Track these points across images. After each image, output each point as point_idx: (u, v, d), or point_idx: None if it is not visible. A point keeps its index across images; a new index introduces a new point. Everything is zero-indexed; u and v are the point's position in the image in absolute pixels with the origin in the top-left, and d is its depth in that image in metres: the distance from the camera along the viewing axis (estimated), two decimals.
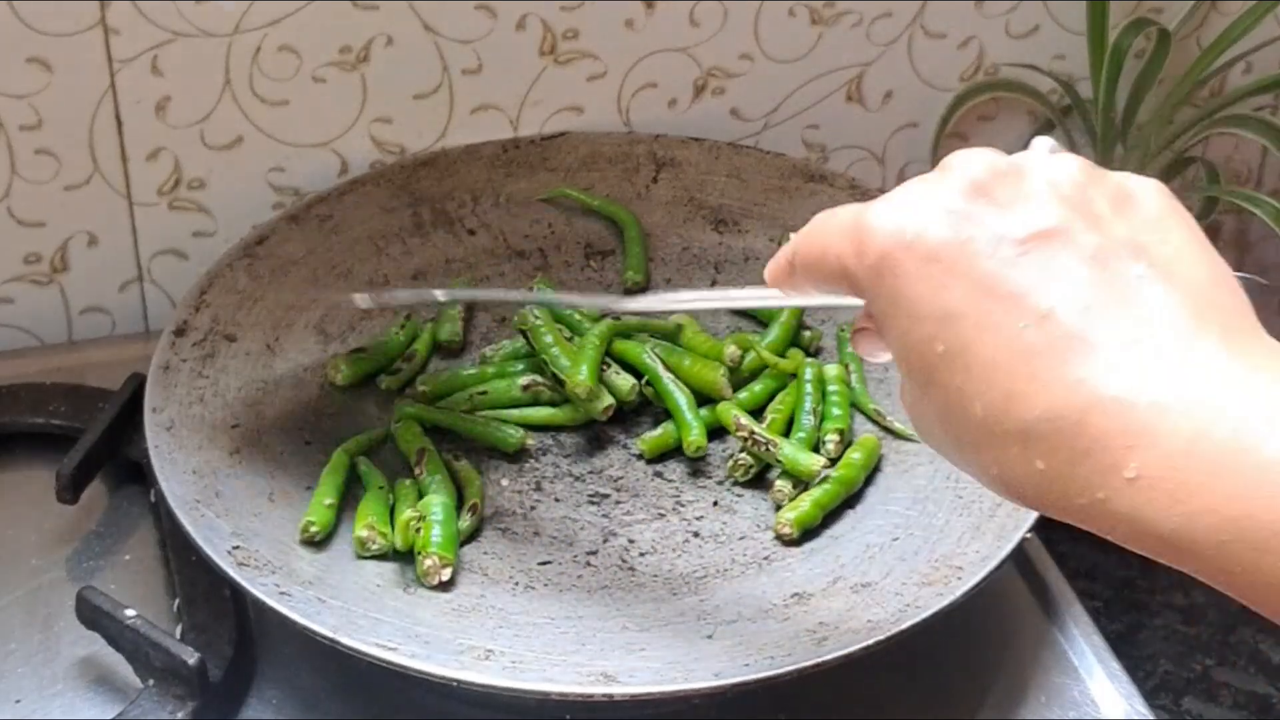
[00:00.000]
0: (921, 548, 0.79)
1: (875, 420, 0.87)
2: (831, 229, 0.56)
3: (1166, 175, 1.03)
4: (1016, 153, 0.55)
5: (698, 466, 0.86)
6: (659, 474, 0.86)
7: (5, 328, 0.99)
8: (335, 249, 0.94)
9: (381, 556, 0.79)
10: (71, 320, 1.00)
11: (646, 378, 0.88)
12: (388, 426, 0.86)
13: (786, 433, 0.86)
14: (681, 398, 0.86)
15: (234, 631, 0.80)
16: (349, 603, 0.75)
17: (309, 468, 0.84)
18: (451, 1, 0.96)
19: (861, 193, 0.97)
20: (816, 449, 0.84)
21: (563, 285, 0.96)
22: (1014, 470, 0.51)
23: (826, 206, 0.97)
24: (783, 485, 0.83)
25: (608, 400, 0.86)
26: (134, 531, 0.88)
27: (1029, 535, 0.78)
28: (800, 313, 0.92)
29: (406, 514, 0.78)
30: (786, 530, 0.81)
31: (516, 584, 0.79)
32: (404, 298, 0.92)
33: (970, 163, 0.53)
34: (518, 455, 0.86)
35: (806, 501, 0.81)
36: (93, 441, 0.87)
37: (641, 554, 0.81)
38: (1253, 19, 1.01)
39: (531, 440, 0.86)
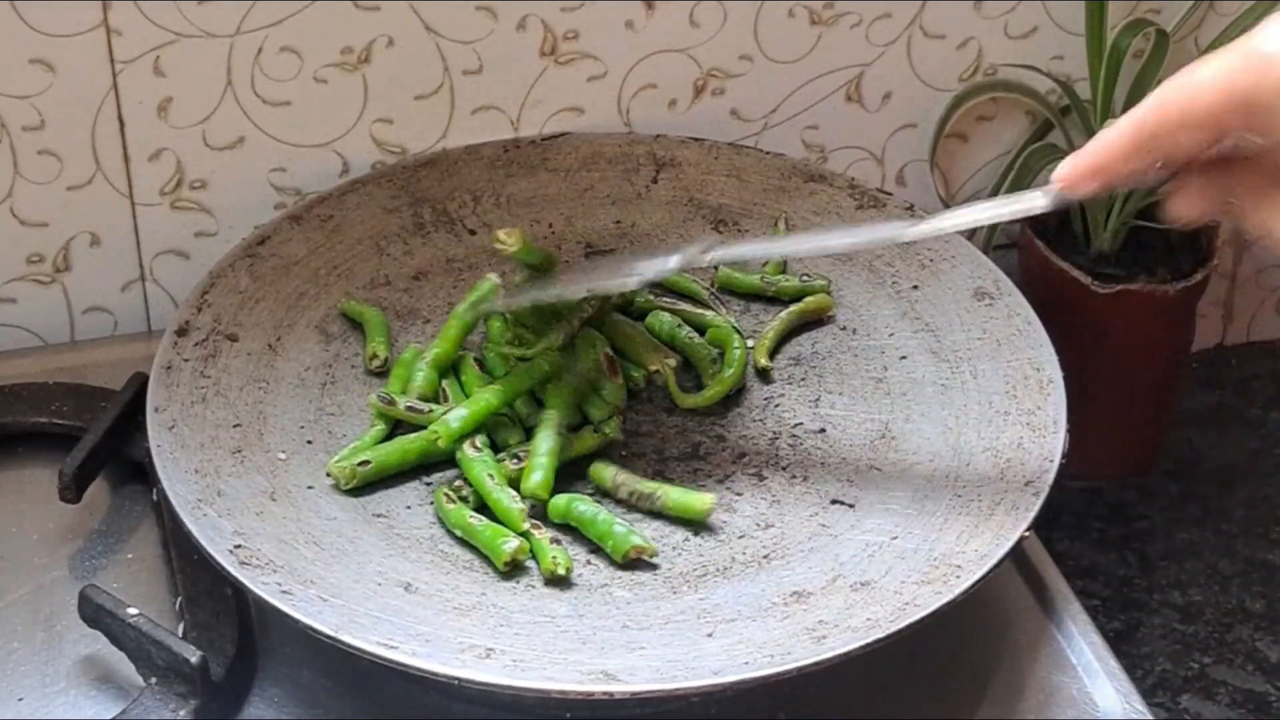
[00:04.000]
0: (920, 546, 0.79)
1: None
2: (1204, 78, 0.64)
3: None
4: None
5: (697, 466, 0.86)
6: (659, 473, 0.86)
7: (8, 327, 1.00)
8: (337, 249, 0.95)
9: None
10: (74, 320, 1.01)
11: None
12: None
13: None
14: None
15: (236, 630, 0.80)
16: (350, 601, 0.76)
17: (310, 467, 0.84)
18: (452, 2, 0.97)
19: (861, 193, 0.98)
20: None
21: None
22: None
23: (826, 207, 0.99)
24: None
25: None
26: (136, 530, 0.88)
27: (1027, 534, 0.78)
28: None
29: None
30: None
31: (517, 582, 0.79)
32: (534, 296, 0.89)
33: None
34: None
35: None
36: (95, 441, 0.87)
37: None
38: (1250, 20, 1.02)
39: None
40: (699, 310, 0.94)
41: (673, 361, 0.90)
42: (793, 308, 0.93)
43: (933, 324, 0.91)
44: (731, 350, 0.90)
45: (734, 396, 0.90)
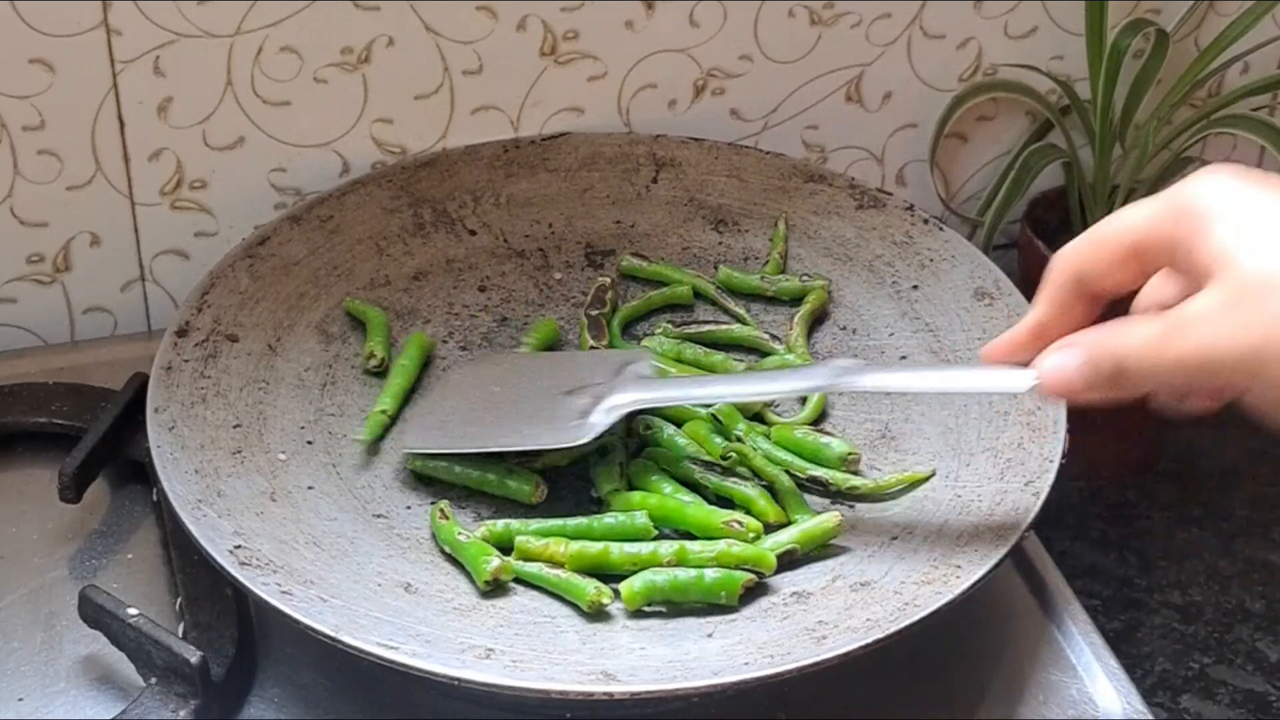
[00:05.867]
0: (920, 546, 0.79)
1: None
2: (1127, 217, 0.69)
3: (1164, 175, 1.03)
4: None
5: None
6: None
7: (8, 327, 1.00)
8: (337, 249, 0.95)
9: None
10: (74, 320, 1.01)
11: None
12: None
13: None
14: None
15: (236, 630, 0.80)
16: (350, 602, 0.76)
17: (310, 468, 0.84)
18: (452, 2, 0.97)
19: (861, 192, 0.98)
20: None
21: (563, 285, 0.96)
22: None
23: (826, 206, 0.99)
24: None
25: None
26: (136, 531, 0.88)
27: (1027, 534, 0.78)
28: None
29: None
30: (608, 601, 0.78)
31: (518, 583, 0.79)
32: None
33: None
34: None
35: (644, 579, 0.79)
36: (95, 441, 0.87)
37: None
38: (1251, 19, 1.02)
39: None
40: (726, 327, 0.93)
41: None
42: (804, 310, 0.93)
43: (933, 324, 0.91)
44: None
45: None
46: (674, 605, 0.78)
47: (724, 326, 0.93)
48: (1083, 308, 0.72)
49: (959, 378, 0.81)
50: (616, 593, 0.78)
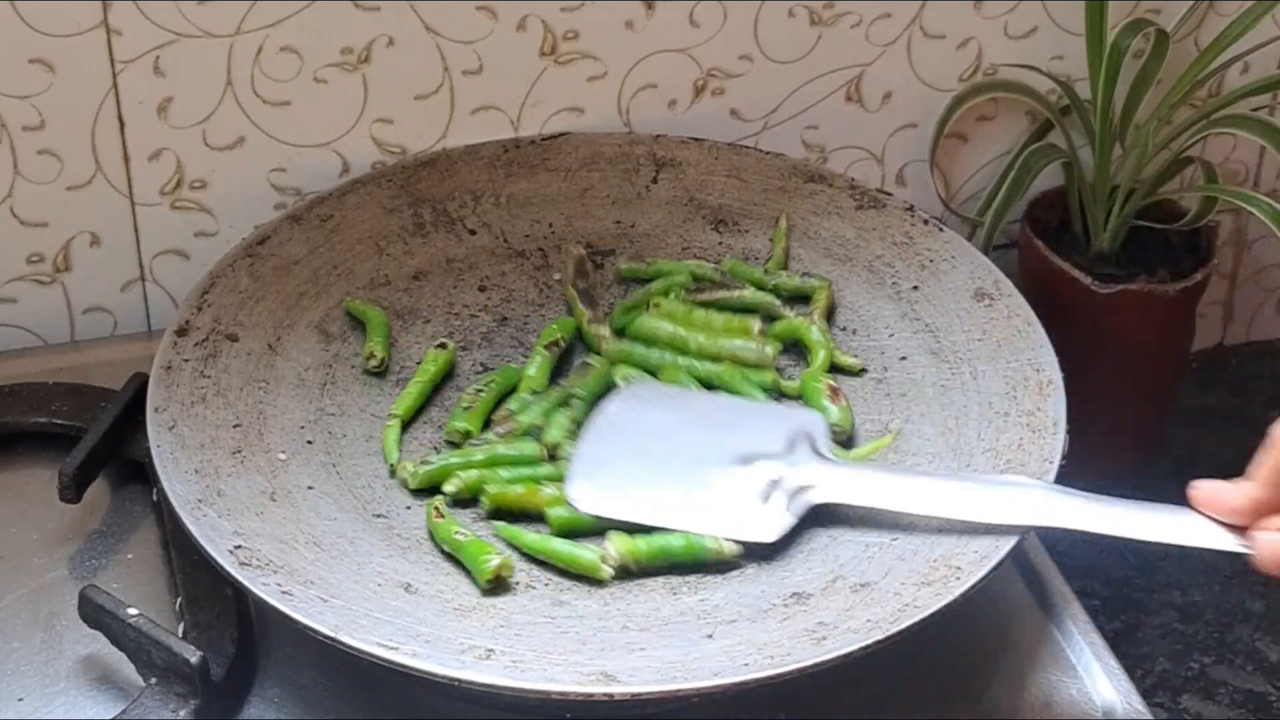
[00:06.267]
0: (920, 547, 0.79)
1: None
2: None
3: (1164, 175, 1.03)
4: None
5: None
6: None
7: (8, 327, 1.00)
8: (337, 249, 0.95)
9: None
10: (74, 320, 1.01)
11: None
12: None
13: None
14: None
15: (236, 630, 0.80)
16: (350, 602, 0.76)
17: (310, 468, 0.84)
18: (452, 2, 0.97)
19: (861, 192, 0.97)
20: None
21: (563, 285, 0.96)
22: None
23: (826, 207, 0.99)
24: None
25: None
26: (136, 530, 0.88)
27: (1028, 534, 0.78)
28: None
29: None
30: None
31: (517, 583, 0.79)
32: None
33: None
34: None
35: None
36: (95, 441, 0.87)
37: None
38: (1251, 19, 1.02)
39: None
40: (739, 293, 0.94)
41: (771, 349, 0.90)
42: (815, 311, 0.93)
43: (933, 324, 0.91)
44: (813, 344, 0.90)
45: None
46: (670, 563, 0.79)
47: (737, 293, 0.93)
48: None
49: (1167, 528, 0.77)
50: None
